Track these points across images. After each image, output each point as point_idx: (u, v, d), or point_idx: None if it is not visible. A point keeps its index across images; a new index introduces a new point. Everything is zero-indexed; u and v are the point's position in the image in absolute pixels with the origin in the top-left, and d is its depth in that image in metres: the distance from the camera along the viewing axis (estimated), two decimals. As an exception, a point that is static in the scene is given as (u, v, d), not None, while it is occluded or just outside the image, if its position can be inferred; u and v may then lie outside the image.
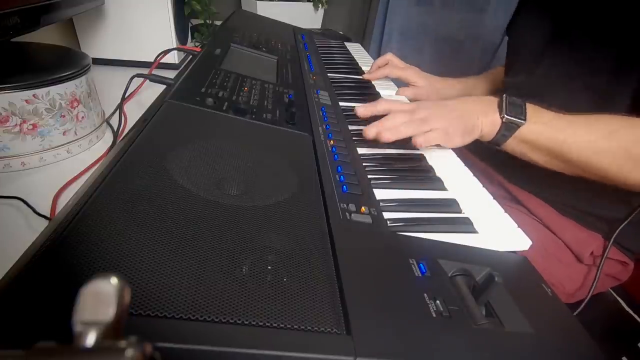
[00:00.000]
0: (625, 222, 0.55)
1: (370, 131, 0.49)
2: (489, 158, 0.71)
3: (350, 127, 0.56)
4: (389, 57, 0.80)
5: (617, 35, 0.52)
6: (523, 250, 0.39)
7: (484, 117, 0.50)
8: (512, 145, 0.51)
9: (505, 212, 0.43)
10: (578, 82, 0.57)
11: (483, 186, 0.48)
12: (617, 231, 0.56)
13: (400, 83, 0.80)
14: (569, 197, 0.59)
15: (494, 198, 0.46)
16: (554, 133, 0.48)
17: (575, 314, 0.53)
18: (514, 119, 0.48)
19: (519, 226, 0.41)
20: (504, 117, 0.49)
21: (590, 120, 0.49)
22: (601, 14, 0.55)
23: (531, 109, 0.50)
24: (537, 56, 0.64)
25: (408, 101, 0.73)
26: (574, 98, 0.56)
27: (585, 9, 0.57)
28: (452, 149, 0.58)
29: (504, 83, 0.73)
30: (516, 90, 0.66)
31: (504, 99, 0.50)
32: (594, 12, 0.56)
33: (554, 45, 0.61)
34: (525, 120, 0.48)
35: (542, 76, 0.62)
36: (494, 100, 0.51)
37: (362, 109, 0.53)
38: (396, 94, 0.76)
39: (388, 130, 0.48)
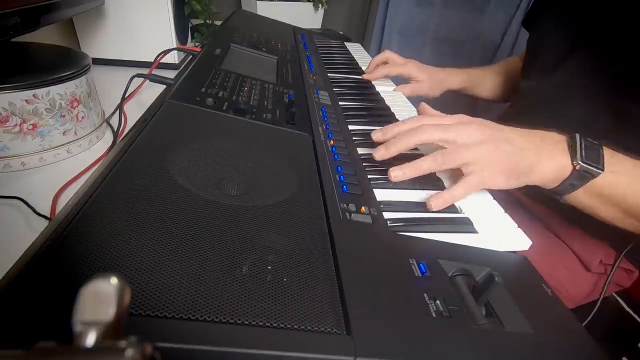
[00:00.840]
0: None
1: (379, 154, 0.42)
2: None
3: (350, 127, 0.56)
4: (387, 54, 0.79)
5: None
6: (527, 255, 0.39)
7: (548, 160, 0.40)
8: (580, 197, 0.41)
9: (513, 218, 0.43)
10: (599, 95, 0.52)
11: (491, 193, 0.47)
12: (630, 246, 0.53)
13: (400, 80, 0.80)
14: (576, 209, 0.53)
15: (502, 205, 0.45)
16: (633, 186, 0.40)
17: (584, 324, 0.52)
18: (591, 167, 0.38)
19: (524, 230, 0.41)
20: (577, 164, 0.38)
21: None
22: (630, 25, 0.50)
23: (608, 154, 0.40)
24: (557, 61, 0.60)
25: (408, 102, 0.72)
26: (593, 112, 0.52)
27: (616, 17, 0.53)
28: None
29: (520, 86, 0.69)
30: (530, 95, 0.62)
31: (578, 140, 0.40)
32: (622, 23, 0.51)
33: (577, 54, 0.57)
34: (603, 169, 0.39)
35: (561, 83, 0.58)
36: (562, 139, 0.41)
37: (380, 134, 0.43)
38: (395, 90, 0.76)
39: (401, 166, 0.39)
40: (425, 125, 0.40)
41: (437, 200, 0.39)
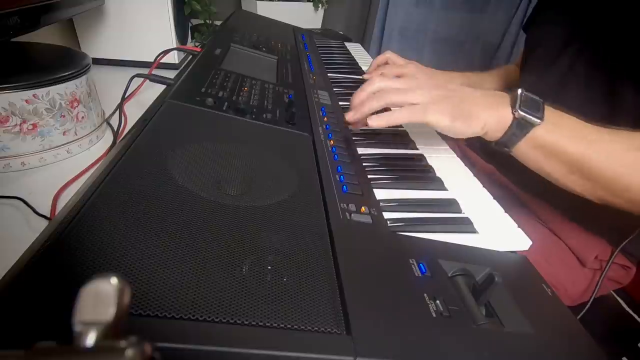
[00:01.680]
0: (637, 233, 0.52)
1: (349, 115, 0.46)
2: (495, 159, 0.70)
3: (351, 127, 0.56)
4: (388, 55, 0.79)
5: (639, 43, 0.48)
6: (525, 252, 0.39)
7: (490, 110, 0.43)
8: (524, 149, 0.44)
9: (509, 214, 0.43)
10: (596, 89, 0.54)
11: (487, 188, 0.48)
12: (627, 241, 0.54)
13: None
14: (577, 201, 0.53)
15: (499, 200, 0.45)
16: (575, 139, 0.42)
17: (578, 318, 0.52)
18: (528, 115, 0.41)
19: (522, 229, 0.41)
20: (516, 111, 0.41)
21: (614, 131, 0.43)
22: (625, 19, 0.52)
23: (550, 109, 0.43)
24: (553, 56, 0.62)
25: None
26: (591, 104, 0.54)
27: (608, 12, 0.55)
28: (451, 147, 0.58)
29: (519, 82, 0.70)
30: (530, 89, 0.65)
31: (519, 93, 0.42)
32: (616, 17, 0.54)
33: (573, 47, 0.59)
34: (541, 119, 0.41)
35: (558, 77, 0.60)
36: (506, 95, 0.44)
37: (351, 113, 0.47)
38: None
39: (355, 109, 0.45)
40: (389, 91, 0.45)
41: (378, 119, 0.44)
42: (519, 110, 0.41)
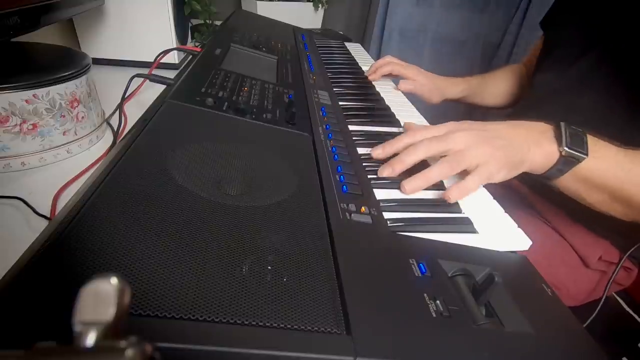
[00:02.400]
0: None
1: (386, 171, 0.43)
2: None
3: (350, 127, 0.56)
4: (388, 59, 0.79)
5: None
6: (527, 252, 0.39)
7: (536, 148, 0.42)
8: (567, 182, 0.44)
9: (513, 213, 0.43)
10: (616, 94, 0.53)
11: (491, 187, 0.47)
12: (636, 247, 0.54)
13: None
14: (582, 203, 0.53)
15: (502, 200, 0.45)
16: (618, 171, 0.42)
17: (585, 325, 0.52)
18: (575, 152, 0.41)
19: (524, 228, 0.41)
20: (563, 150, 0.41)
21: None
22: None
23: (592, 141, 0.43)
24: (573, 57, 0.61)
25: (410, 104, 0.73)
26: (610, 109, 0.53)
27: (630, 19, 0.54)
28: None
29: (532, 79, 0.70)
30: (545, 88, 0.63)
31: (563, 127, 0.42)
32: (637, 24, 0.52)
33: (593, 50, 0.58)
34: (587, 154, 0.41)
35: (577, 79, 0.59)
36: (548, 128, 0.44)
37: (380, 151, 0.45)
38: (395, 89, 0.76)
39: (412, 179, 0.41)
40: (424, 141, 0.42)
41: (454, 192, 0.41)
42: (566, 148, 0.41)
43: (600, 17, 0.59)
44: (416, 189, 0.42)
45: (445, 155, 0.42)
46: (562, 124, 0.43)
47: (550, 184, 0.45)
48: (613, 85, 0.54)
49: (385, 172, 0.43)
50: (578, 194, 0.45)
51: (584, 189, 0.44)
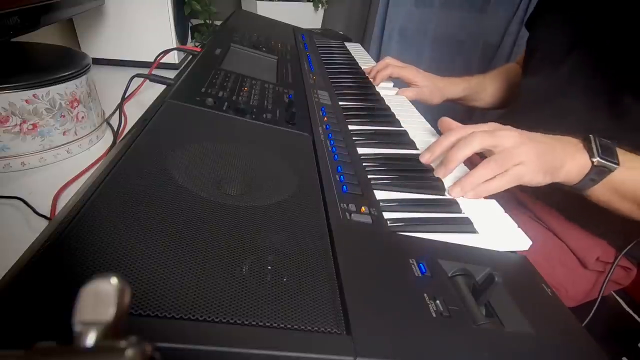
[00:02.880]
0: None
1: (441, 172, 0.44)
2: None
3: (350, 127, 0.56)
4: (387, 60, 0.79)
5: None
6: (526, 253, 0.39)
7: (571, 160, 0.44)
8: (599, 192, 0.45)
9: (510, 214, 0.43)
10: (599, 95, 0.54)
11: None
12: (632, 245, 0.54)
13: (401, 85, 0.80)
14: (579, 204, 0.54)
15: (500, 201, 0.45)
16: None
17: (584, 324, 0.53)
18: (607, 162, 0.43)
19: (523, 230, 0.41)
20: (595, 159, 0.43)
21: None
22: (627, 27, 0.52)
23: (621, 152, 0.45)
24: (556, 59, 0.61)
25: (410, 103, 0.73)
26: (595, 111, 0.54)
27: (611, 19, 0.54)
28: None
29: (520, 84, 0.70)
30: (531, 93, 0.63)
31: (593, 140, 0.44)
32: (619, 24, 0.53)
33: (575, 52, 0.58)
34: (618, 164, 0.43)
35: (562, 81, 0.59)
36: (578, 142, 0.46)
37: (428, 154, 0.46)
38: (396, 94, 0.76)
39: (471, 185, 0.42)
40: (477, 133, 0.43)
41: (479, 189, 0.42)
42: (599, 158, 0.43)
43: (583, 15, 0.59)
44: (479, 194, 0.43)
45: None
46: (592, 135, 0.44)
47: (583, 194, 0.46)
48: (599, 85, 0.54)
49: (440, 173, 0.44)
50: (609, 203, 0.47)
51: (615, 198, 0.46)
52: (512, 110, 0.71)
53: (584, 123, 0.47)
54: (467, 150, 0.43)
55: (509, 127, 0.44)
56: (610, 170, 0.43)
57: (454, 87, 0.81)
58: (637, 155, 0.45)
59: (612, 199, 0.46)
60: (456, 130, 0.46)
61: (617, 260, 0.56)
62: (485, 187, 0.43)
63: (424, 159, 0.47)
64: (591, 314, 0.53)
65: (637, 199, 0.45)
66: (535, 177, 0.43)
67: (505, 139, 0.42)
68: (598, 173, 0.44)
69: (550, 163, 0.43)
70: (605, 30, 0.55)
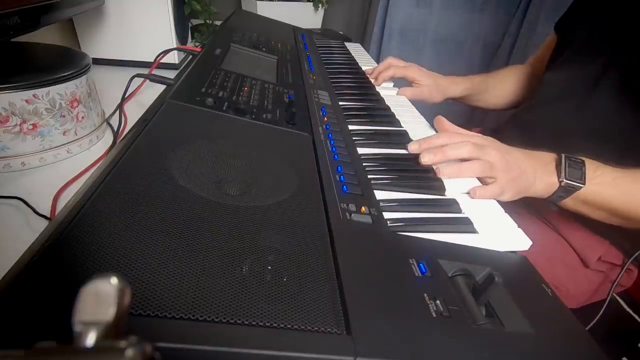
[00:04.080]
0: None
1: (427, 157, 0.47)
2: None
3: (350, 127, 0.56)
4: (389, 60, 0.79)
5: None
6: (528, 254, 0.39)
7: (540, 180, 0.48)
8: (570, 205, 0.50)
9: (513, 212, 0.43)
10: (628, 97, 0.55)
11: None
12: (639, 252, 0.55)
13: (402, 83, 0.80)
14: None
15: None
16: (615, 193, 0.47)
17: (588, 328, 0.53)
18: (573, 183, 0.47)
19: (524, 228, 0.41)
20: (562, 181, 0.47)
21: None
22: None
23: (592, 168, 0.48)
24: (586, 58, 0.62)
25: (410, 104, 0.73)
26: (621, 112, 0.55)
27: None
28: None
29: (542, 78, 0.71)
30: (556, 87, 0.65)
31: (563, 161, 0.48)
32: None
33: (606, 53, 0.59)
34: (584, 183, 0.47)
35: (590, 80, 0.60)
36: (552, 159, 0.49)
37: (416, 146, 0.49)
38: (397, 94, 0.76)
39: (449, 166, 0.46)
40: (469, 144, 0.46)
41: (480, 191, 0.46)
42: (565, 180, 0.47)
43: (612, 24, 0.60)
44: (451, 174, 0.47)
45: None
46: (564, 156, 0.48)
47: (553, 206, 0.51)
48: (622, 92, 0.55)
49: (425, 159, 0.48)
50: (583, 214, 0.51)
51: (585, 209, 0.50)
52: (529, 104, 0.72)
53: (606, 123, 0.50)
54: (453, 155, 0.46)
55: (498, 145, 0.48)
56: (576, 189, 0.47)
57: (456, 87, 0.81)
58: (610, 168, 0.48)
59: (582, 210, 0.50)
60: (450, 135, 0.49)
61: (626, 265, 0.56)
62: (457, 171, 0.46)
63: (410, 148, 0.50)
64: (597, 318, 0.53)
65: (606, 209, 0.49)
66: (503, 196, 0.46)
67: (490, 156, 0.46)
68: (565, 191, 0.48)
69: (520, 187, 0.47)
70: (631, 42, 0.56)
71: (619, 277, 0.56)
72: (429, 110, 0.73)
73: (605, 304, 0.55)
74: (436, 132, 0.61)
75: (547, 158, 0.49)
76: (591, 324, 0.54)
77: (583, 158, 0.48)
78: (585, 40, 0.64)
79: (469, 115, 1.55)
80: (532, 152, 0.50)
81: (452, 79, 0.81)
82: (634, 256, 0.55)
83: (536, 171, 0.48)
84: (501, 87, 0.84)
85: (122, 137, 0.56)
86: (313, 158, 0.43)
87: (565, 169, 0.47)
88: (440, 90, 0.79)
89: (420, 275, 0.30)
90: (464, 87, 0.82)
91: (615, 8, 0.61)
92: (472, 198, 0.45)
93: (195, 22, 1.12)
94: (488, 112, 1.00)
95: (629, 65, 0.56)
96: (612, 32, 0.60)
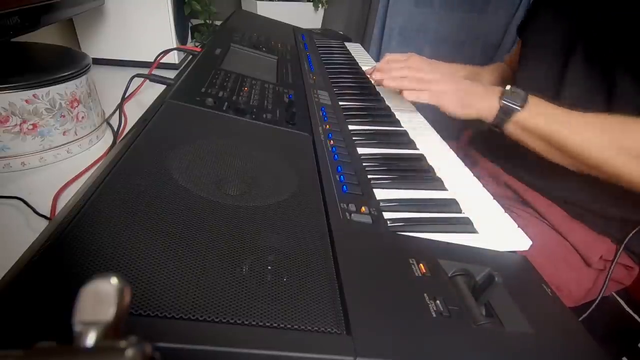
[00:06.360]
0: (639, 228, 0.55)
1: (375, 75, 0.60)
2: (498, 158, 0.70)
3: (350, 127, 0.56)
4: (388, 57, 0.79)
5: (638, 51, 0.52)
6: (529, 254, 0.39)
7: (483, 101, 0.55)
8: (512, 130, 0.55)
9: (512, 214, 0.43)
10: (595, 82, 0.57)
11: (491, 187, 0.48)
12: (629, 236, 0.56)
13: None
14: (580, 195, 0.60)
15: (501, 200, 0.45)
16: (551, 124, 0.52)
17: (581, 319, 0.53)
18: (510, 104, 0.53)
19: (526, 229, 0.41)
20: (500, 101, 0.53)
21: (588, 116, 0.51)
22: (620, 11, 0.55)
23: (534, 100, 0.53)
24: (550, 53, 0.64)
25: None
26: (591, 97, 0.57)
27: (603, 5, 0.57)
28: (452, 147, 0.58)
29: (516, 77, 0.72)
30: (530, 83, 0.66)
31: (509, 87, 0.54)
32: (612, 9, 0.56)
33: (568, 43, 0.61)
34: (520, 107, 0.52)
35: (557, 73, 0.63)
36: (499, 89, 0.55)
37: (378, 74, 0.61)
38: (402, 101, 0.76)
39: (392, 79, 0.59)
40: (410, 78, 0.59)
41: (409, 94, 0.59)
42: (503, 100, 0.54)
43: (572, 11, 0.63)
44: (386, 84, 0.61)
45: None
46: (510, 85, 0.55)
47: (500, 131, 0.56)
48: (590, 76, 0.58)
49: (376, 75, 0.62)
50: (524, 141, 0.56)
51: (526, 137, 0.55)
52: None
53: (581, 106, 0.52)
54: (394, 85, 0.60)
55: (438, 67, 0.59)
56: (512, 110, 0.53)
57: (457, 74, 0.82)
58: (552, 105, 0.53)
59: (524, 137, 0.55)
60: (401, 68, 0.61)
61: (618, 254, 0.56)
62: (403, 84, 0.59)
63: (375, 77, 0.63)
64: (590, 310, 0.54)
65: (546, 140, 0.53)
66: (451, 104, 0.56)
67: (429, 76, 0.58)
68: (504, 112, 0.54)
69: (461, 100, 0.56)
70: (596, 17, 0.58)
71: (611, 269, 0.58)
72: (428, 108, 0.73)
73: (599, 298, 0.55)
74: (436, 132, 0.62)
75: (496, 88, 0.56)
76: (583, 316, 0.54)
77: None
78: (544, 36, 0.67)
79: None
80: (484, 84, 0.60)
81: (453, 66, 0.83)
82: (624, 241, 0.57)
83: (480, 94, 0.56)
84: (489, 79, 0.86)
85: (122, 137, 0.56)
86: (313, 158, 0.43)
87: (505, 93, 0.54)
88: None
89: (420, 275, 0.30)
90: (462, 74, 0.84)
91: (574, 2, 0.63)
92: (406, 98, 0.57)
93: (195, 22, 1.12)
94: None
95: (592, 51, 0.59)
96: (573, 23, 0.63)
